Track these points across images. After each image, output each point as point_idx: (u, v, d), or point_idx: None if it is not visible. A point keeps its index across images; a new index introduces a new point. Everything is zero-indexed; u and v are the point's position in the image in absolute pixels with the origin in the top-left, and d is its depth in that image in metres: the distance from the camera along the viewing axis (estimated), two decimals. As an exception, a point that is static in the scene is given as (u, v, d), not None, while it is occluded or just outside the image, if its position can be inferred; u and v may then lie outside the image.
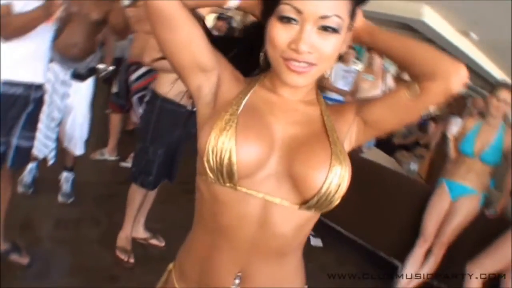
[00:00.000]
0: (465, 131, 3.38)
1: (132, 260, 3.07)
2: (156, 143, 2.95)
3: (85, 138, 3.71)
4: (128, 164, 4.61)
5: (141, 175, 3.02)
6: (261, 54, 1.04)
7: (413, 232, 3.58)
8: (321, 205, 0.97)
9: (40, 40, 2.52)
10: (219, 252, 1.02)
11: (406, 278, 3.48)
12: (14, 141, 2.56)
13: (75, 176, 3.78)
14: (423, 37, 8.23)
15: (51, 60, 2.94)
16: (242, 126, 0.94)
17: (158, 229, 3.46)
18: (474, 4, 6.25)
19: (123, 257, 3.07)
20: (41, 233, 3.18)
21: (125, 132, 5.32)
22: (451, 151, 3.52)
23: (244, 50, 1.11)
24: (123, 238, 3.14)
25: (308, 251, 1.16)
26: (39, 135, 3.09)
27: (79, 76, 3.47)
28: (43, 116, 3.11)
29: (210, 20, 6.17)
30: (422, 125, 5.98)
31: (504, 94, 3.22)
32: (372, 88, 5.32)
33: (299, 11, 0.91)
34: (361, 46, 4.78)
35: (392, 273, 3.77)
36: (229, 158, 0.92)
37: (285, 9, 0.92)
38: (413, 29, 8.18)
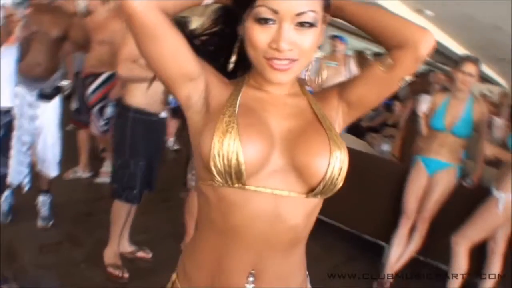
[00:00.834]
0: (434, 107, 3.44)
1: (126, 275, 3.04)
2: (137, 156, 2.92)
3: (58, 159, 3.64)
4: (102, 179, 4.55)
5: (125, 191, 2.98)
6: (231, 62, 1.09)
7: (395, 212, 3.65)
8: (327, 190, 1.00)
9: (4, 63, 2.47)
10: (231, 252, 1.03)
11: (394, 257, 3.54)
12: (-13, 169, 2.51)
13: (52, 198, 3.71)
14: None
15: (17, 84, 2.89)
16: (242, 126, 0.96)
17: (143, 241, 3.43)
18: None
19: (117, 273, 3.04)
20: (26, 261, 3.11)
21: (96, 147, 5.24)
22: (423, 128, 3.58)
23: (223, 44, 1.12)
24: (111, 255, 3.10)
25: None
26: (12, 161, 3.03)
27: (45, 96, 3.40)
28: (13, 141, 3.05)
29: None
30: (388, 106, 6.04)
31: (469, 67, 3.29)
32: (336, 75, 5.37)
33: (275, 11, 0.93)
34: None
35: (379, 254, 3.84)
36: (237, 159, 0.93)
37: (262, 11, 0.94)
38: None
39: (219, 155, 0.93)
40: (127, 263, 3.17)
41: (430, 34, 1.02)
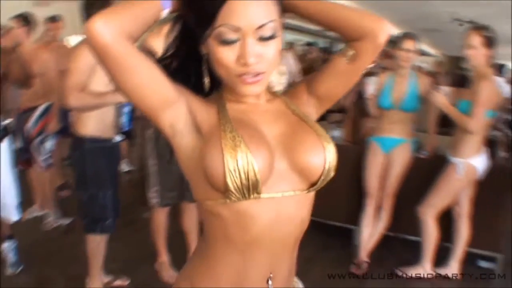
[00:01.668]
0: (380, 87, 3.53)
1: None
2: (103, 186, 2.84)
3: (16, 202, 3.45)
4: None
5: (98, 224, 2.89)
6: (206, 79, 1.08)
7: (359, 195, 3.73)
8: (323, 182, 1.06)
9: None
10: (252, 262, 1.05)
11: (365, 238, 3.62)
12: None
13: (16, 243, 3.54)
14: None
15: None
16: (246, 138, 0.97)
17: (116, 269, 3.33)
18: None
19: None
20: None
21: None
22: (372, 109, 3.67)
23: (189, 64, 1.10)
24: None
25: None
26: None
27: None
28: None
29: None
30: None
31: (408, 44, 3.40)
32: (277, 74, 5.39)
33: (237, 29, 0.94)
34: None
35: (351, 238, 3.91)
36: (253, 171, 0.95)
37: (224, 32, 0.95)
38: None
39: (234, 171, 0.94)
40: (105, 294, 3.09)
41: (386, 23, 1.05)
